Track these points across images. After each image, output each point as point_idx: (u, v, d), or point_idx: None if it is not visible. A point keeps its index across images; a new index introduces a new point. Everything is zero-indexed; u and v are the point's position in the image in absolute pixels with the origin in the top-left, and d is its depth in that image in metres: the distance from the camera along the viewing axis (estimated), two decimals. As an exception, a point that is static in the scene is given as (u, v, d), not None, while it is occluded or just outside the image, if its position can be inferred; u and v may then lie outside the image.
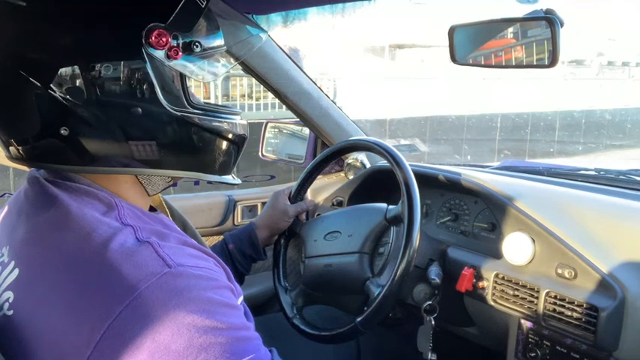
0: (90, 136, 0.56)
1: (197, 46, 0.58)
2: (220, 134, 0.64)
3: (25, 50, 0.54)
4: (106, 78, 0.54)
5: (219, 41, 0.63)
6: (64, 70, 0.53)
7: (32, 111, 0.54)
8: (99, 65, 0.53)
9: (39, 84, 0.53)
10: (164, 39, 0.55)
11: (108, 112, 0.55)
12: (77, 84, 0.53)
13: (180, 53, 0.57)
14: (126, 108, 0.55)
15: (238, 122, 0.67)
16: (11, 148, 0.59)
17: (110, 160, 0.57)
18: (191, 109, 0.60)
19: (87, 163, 0.57)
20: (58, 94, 0.53)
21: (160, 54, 0.55)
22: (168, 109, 0.58)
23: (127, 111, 0.56)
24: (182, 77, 0.59)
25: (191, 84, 0.62)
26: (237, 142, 0.67)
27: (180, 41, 0.57)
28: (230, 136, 0.65)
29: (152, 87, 0.56)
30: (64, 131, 0.54)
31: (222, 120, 0.64)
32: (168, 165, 0.60)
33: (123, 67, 0.54)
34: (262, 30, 0.72)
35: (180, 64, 0.57)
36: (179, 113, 0.59)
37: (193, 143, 0.62)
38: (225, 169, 0.67)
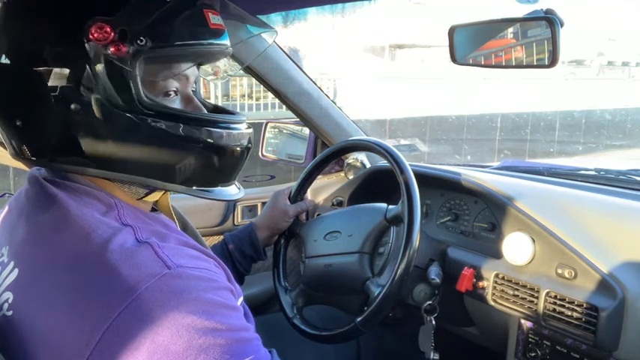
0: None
1: (142, 41, 0.53)
2: (186, 141, 0.58)
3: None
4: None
5: (179, 39, 0.57)
6: (35, 70, 0.53)
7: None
8: (54, 59, 0.53)
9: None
10: (108, 30, 0.52)
11: (59, 109, 0.54)
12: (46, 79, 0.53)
13: (123, 48, 0.52)
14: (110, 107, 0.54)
15: (218, 130, 0.60)
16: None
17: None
18: (144, 109, 0.55)
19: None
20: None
21: (99, 47, 0.52)
22: (116, 106, 0.54)
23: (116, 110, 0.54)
24: (132, 74, 0.54)
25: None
26: (214, 153, 0.60)
27: (129, 36, 0.53)
28: (199, 144, 0.58)
29: (98, 83, 0.53)
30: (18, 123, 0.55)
31: (200, 126, 0.58)
32: (133, 170, 0.57)
33: (68, 58, 0.54)
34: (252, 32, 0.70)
35: (122, 58, 0.53)
36: (127, 112, 0.54)
37: (149, 148, 0.56)
38: (192, 181, 0.61)
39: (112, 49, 0.52)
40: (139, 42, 0.53)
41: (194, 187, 0.60)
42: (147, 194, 0.62)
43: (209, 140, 0.59)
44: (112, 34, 0.52)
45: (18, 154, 0.58)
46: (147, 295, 0.47)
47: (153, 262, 0.50)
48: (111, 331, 0.46)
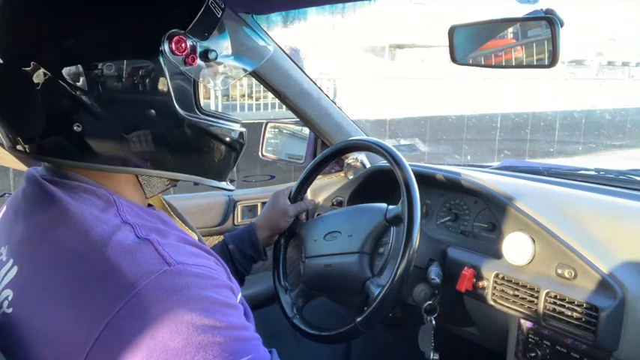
0: (99, 134, 0.56)
1: (212, 54, 0.60)
2: (224, 141, 0.66)
3: (43, 45, 0.53)
4: (123, 78, 0.54)
5: (230, 51, 0.65)
6: (81, 68, 0.53)
7: (43, 108, 0.54)
8: (117, 65, 0.54)
9: (58, 81, 0.52)
10: (183, 45, 0.57)
11: (121, 111, 0.56)
12: (93, 82, 0.53)
13: (196, 60, 0.59)
14: (139, 109, 0.56)
15: (239, 130, 0.69)
16: (17, 146, 0.58)
17: (115, 158, 0.57)
18: (200, 115, 0.62)
19: (92, 160, 0.57)
20: (73, 91, 0.53)
21: (178, 59, 0.57)
22: (180, 112, 0.59)
23: (141, 112, 0.56)
24: (195, 83, 0.60)
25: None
26: (238, 150, 0.69)
27: (198, 49, 0.59)
28: (232, 143, 0.67)
29: (168, 90, 0.57)
30: (76, 127, 0.54)
31: (226, 127, 0.66)
32: (171, 167, 0.61)
33: (141, 68, 0.55)
34: (268, 43, 0.74)
35: (195, 70, 0.59)
36: (189, 118, 0.60)
37: (199, 147, 0.63)
38: (222, 175, 0.69)
39: (187, 60, 0.57)
40: (209, 55, 0.59)
41: (221, 181, 0.69)
42: (163, 190, 0.67)
43: (236, 138, 0.68)
44: (188, 46, 0.57)
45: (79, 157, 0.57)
46: (146, 292, 0.47)
47: (153, 259, 0.50)
48: (110, 327, 0.46)
